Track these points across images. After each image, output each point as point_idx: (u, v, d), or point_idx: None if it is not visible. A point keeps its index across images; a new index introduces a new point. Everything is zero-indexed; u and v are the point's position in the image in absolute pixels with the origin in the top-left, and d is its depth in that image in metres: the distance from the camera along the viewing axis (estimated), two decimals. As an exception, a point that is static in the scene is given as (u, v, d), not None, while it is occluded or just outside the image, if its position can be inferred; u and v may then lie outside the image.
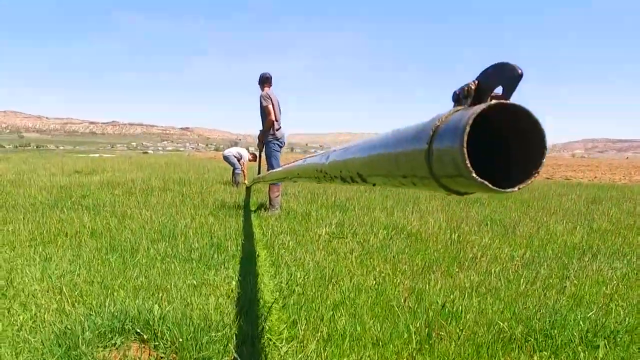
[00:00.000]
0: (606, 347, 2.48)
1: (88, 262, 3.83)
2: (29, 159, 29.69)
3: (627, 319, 2.81)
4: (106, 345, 2.34)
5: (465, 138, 0.45)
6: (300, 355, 2.32)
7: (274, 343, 2.45)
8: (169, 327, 2.45)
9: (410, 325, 2.59)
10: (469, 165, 0.45)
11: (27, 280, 3.30)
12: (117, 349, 2.34)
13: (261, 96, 6.89)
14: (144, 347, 2.37)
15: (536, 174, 0.49)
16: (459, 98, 0.52)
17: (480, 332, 2.58)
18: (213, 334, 2.42)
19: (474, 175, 0.45)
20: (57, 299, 2.95)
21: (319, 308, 2.86)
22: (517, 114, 0.48)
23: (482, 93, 0.50)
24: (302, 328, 2.57)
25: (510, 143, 0.51)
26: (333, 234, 5.27)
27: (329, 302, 2.99)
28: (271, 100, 6.83)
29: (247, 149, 12.51)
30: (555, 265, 4.15)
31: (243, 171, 11.30)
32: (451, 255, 4.38)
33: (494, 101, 0.47)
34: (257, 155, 8.29)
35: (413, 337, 2.48)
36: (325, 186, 9.87)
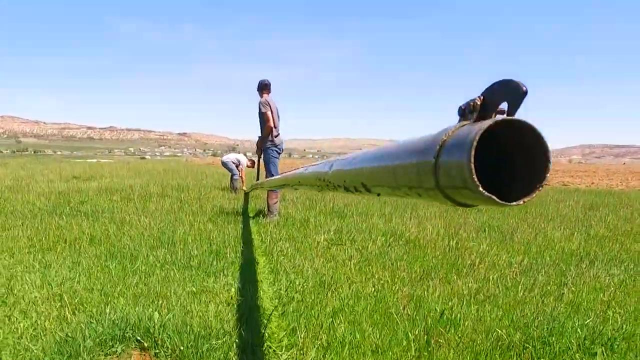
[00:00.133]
0: (603, 355, 2.50)
1: (88, 269, 3.84)
2: (27, 164, 29.65)
3: (624, 326, 2.84)
4: (107, 353, 2.35)
5: (473, 153, 0.47)
6: (300, 363, 2.34)
7: (274, 351, 2.47)
8: (169, 335, 2.46)
9: (409, 333, 2.61)
10: (476, 179, 0.47)
11: (27, 288, 3.31)
12: (118, 356, 2.35)
13: (260, 103, 6.92)
14: (144, 354, 2.39)
15: (540, 188, 0.51)
16: (465, 113, 0.54)
17: (478, 340, 2.59)
18: (213, 342, 2.44)
19: (481, 189, 0.47)
20: (58, 306, 2.96)
21: (318, 315, 2.88)
22: (521, 130, 0.49)
23: (487, 108, 0.52)
24: (302, 336, 2.59)
25: (515, 157, 0.53)
26: (331, 241, 5.29)
27: (328, 309, 3.01)
28: (270, 107, 6.86)
29: (245, 155, 12.53)
30: (553, 272, 4.17)
31: (241, 177, 11.32)
32: (449, 262, 4.40)
33: (499, 117, 0.49)
34: (256, 161, 8.31)
35: (412, 345, 2.50)
36: (324, 193, 9.88)
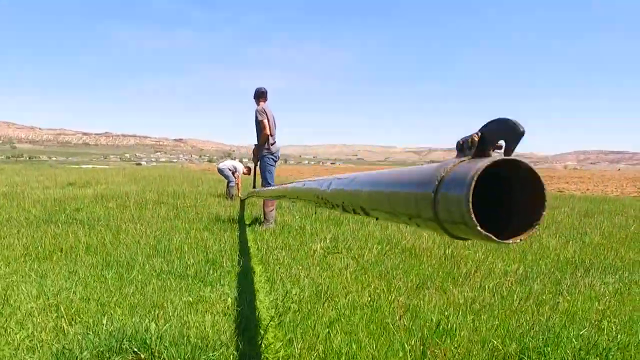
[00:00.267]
0: (598, 365, 2.51)
1: (84, 278, 3.84)
2: (22, 170, 29.58)
3: (618, 336, 2.85)
4: (104, 365, 2.35)
5: (471, 192, 0.48)
6: (296, 374, 2.34)
7: (271, 362, 2.47)
8: (166, 347, 2.46)
9: (405, 344, 2.61)
10: (474, 219, 0.48)
11: (23, 298, 3.31)
12: (114, 368, 2.35)
13: (256, 111, 6.94)
14: (141, 366, 2.39)
15: (537, 225, 0.52)
16: (463, 148, 0.56)
17: (474, 350, 2.61)
18: (210, 354, 2.44)
19: (479, 229, 0.48)
20: (54, 317, 2.96)
21: (314, 326, 2.88)
22: (519, 169, 0.51)
23: (485, 145, 0.53)
24: (299, 347, 2.59)
25: (512, 194, 0.55)
26: (328, 249, 5.30)
27: (324, 319, 3.01)
28: (266, 114, 6.88)
29: (241, 161, 12.54)
30: (549, 281, 4.19)
31: (237, 184, 11.32)
32: (445, 271, 4.41)
33: (497, 156, 0.51)
34: (252, 168, 8.32)
35: (408, 356, 2.51)
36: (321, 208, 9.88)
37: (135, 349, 2.46)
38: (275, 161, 7.08)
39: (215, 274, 4.05)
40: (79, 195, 10.87)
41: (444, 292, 3.77)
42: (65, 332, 2.71)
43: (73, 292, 3.45)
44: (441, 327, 2.87)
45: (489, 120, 0.53)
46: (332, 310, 3.21)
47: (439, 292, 3.76)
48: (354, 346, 2.60)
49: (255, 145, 7.11)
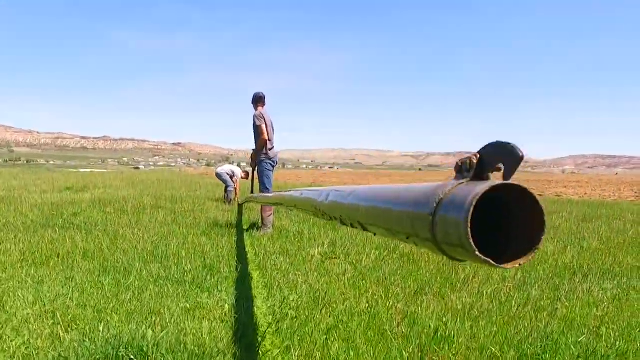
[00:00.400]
0: (597, 372, 2.50)
1: (81, 284, 3.82)
2: (20, 174, 29.51)
3: (617, 342, 2.85)
4: (100, 373, 2.34)
5: (470, 217, 0.48)
6: (294, 382, 2.33)
7: (268, 369, 2.46)
8: (162, 354, 2.45)
9: (403, 351, 2.61)
10: (472, 242, 0.48)
11: (19, 304, 3.29)
12: (110, 376, 2.33)
13: (254, 116, 6.94)
14: (137, 374, 2.37)
15: (536, 249, 0.52)
16: (462, 170, 0.55)
17: (472, 358, 2.60)
18: (207, 361, 2.43)
19: (478, 253, 0.48)
20: (50, 323, 2.94)
21: (312, 332, 2.87)
22: (518, 193, 0.51)
23: (483, 167, 0.53)
24: (296, 354, 2.58)
25: (511, 218, 0.54)
26: (325, 254, 5.29)
27: (322, 326, 3.00)
28: (264, 119, 6.88)
29: (239, 166, 12.53)
30: (547, 287, 4.18)
31: (235, 189, 11.31)
32: (443, 276, 4.40)
33: (496, 181, 0.51)
34: (250, 173, 8.31)
35: (406, 363, 2.50)
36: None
37: (132, 357, 2.45)
38: (274, 166, 7.07)
39: (212, 280, 4.04)
40: (77, 200, 10.84)
41: (442, 298, 3.76)
42: (62, 339, 2.69)
43: (70, 299, 3.43)
44: (439, 333, 2.86)
45: (487, 143, 0.53)
46: (329, 316, 3.20)
47: (437, 298, 3.75)
48: (351, 353, 2.59)
49: (253, 150, 7.11)
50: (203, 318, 3.12)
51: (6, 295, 3.50)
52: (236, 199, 10.90)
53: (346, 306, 3.42)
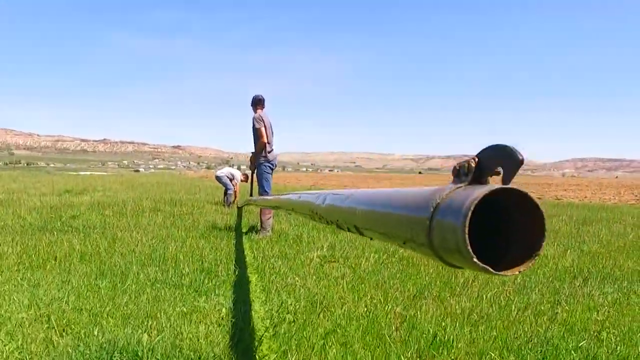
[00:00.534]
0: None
1: (77, 288, 3.79)
2: (19, 177, 29.50)
3: (618, 347, 2.82)
4: (94, 378, 2.31)
5: (468, 222, 0.45)
6: (290, 388, 2.30)
7: (265, 375, 2.43)
8: (157, 359, 2.42)
9: (402, 356, 2.58)
10: (470, 248, 0.45)
11: (14, 308, 3.26)
12: (104, 382, 2.30)
13: (254, 118, 6.92)
14: (132, 379, 2.34)
15: (536, 256, 0.49)
16: (459, 173, 0.53)
17: (472, 363, 2.57)
18: (203, 366, 2.40)
19: (476, 260, 0.45)
20: (45, 328, 2.91)
21: (309, 337, 2.84)
22: (517, 197, 0.48)
23: (482, 171, 0.50)
24: (293, 359, 2.55)
25: (511, 222, 0.52)
26: (324, 258, 5.26)
27: (320, 330, 2.97)
28: (264, 122, 6.86)
29: (239, 168, 12.52)
30: (547, 290, 4.15)
31: (235, 192, 11.29)
32: (443, 280, 4.37)
33: (495, 185, 0.48)
34: (249, 175, 8.29)
35: (405, 368, 2.47)
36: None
37: (127, 362, 2.42)
38: (273, 169, 7.04)
39: (210, 284, 4.01)
40: (76, 203, 10.82)
41: (441, 302, 3.73)
42: (56, 344, 2.66)
43: (65, 302, 3.40)
44: (438, 338, 2.83)
45: (486, 145, 0.50)
46: (327, 321, 3.17)
47: (436, 302, 3.72)
48: (349, 358, 2.56)
49: (252, 153, 7.08)
50: (200, 322, 3.09)
51: (1, 298, 3.47)
52: (235, 201, 10.88)
53: (344, 310, 3.39)
